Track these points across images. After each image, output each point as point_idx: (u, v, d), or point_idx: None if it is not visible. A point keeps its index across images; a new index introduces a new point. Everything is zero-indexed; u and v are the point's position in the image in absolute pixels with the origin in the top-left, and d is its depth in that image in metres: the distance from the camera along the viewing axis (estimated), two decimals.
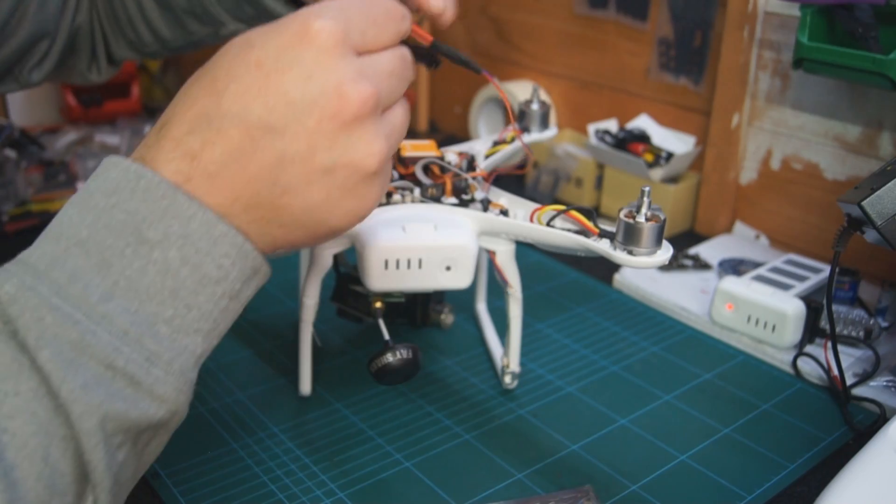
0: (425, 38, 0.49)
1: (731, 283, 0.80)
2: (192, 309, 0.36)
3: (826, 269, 0.85)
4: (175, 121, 0.37)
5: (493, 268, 0.63)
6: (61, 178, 1.12)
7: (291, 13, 0.39)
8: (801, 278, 0.83)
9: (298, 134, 0.37)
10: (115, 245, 0.35)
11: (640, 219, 0.55)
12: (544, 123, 0.79)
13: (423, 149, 0.65)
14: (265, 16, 0.69)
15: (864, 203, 0.68)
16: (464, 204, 0.62)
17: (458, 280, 0.58)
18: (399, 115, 0.42)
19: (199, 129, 0.37)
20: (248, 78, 0.37)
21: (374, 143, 0.38)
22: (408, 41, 0.44)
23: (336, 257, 0.65)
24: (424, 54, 0.50)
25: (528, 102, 0.78)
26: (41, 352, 0.32)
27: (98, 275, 0.34)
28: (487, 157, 0.73)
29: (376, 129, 0.39)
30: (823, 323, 0.77)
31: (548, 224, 0.61)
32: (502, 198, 0.65)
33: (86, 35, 0.72)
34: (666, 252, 0.56)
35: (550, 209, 0.61)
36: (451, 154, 0.68)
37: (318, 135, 0.37)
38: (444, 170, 0.64)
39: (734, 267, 0.93)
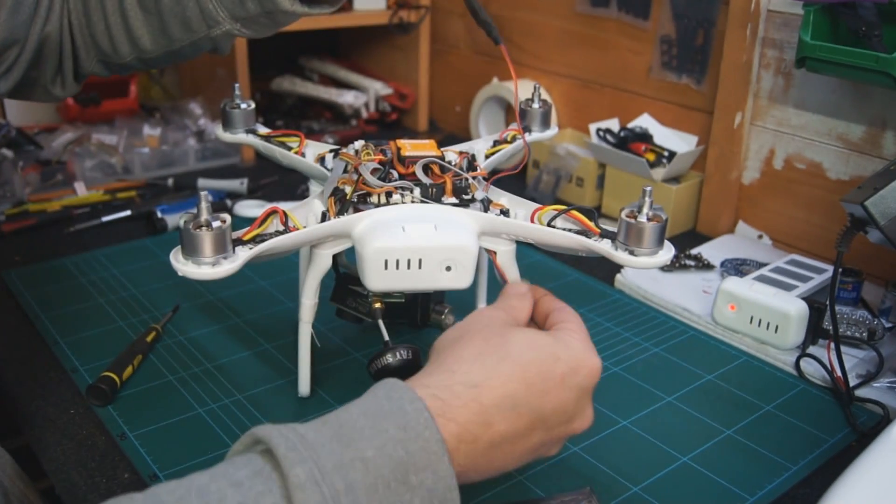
0: None
1: (734, 284, 0.79)
2: None
3: (829, 270, 0.84)
4: (488, 389, 0.46)
5: (493, 268, 0.63)
6: (59, 177, 1.12)
7: (580, 345, 0.51)
8: (804, 279, 0.82)
9: (556, 433, 0.50)
10: (387, 477, 0.41)
11: (642, 219, 0.55)
12: (545, 123, 0.78)
13: (423, 148, 0.64)
14: (268, 12, 0.67)
15: (867, 203, 0.68)
16: (464, 204, 0.61)
17: (459, 280, 0.58)
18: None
19: (503, 409, 0.46)
20: (552, 383, 0.48)
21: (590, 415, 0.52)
22: None
23: (335, 257, 0.65)
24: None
25: (529, 102, 0.78)
26: None
27: (365, 494, 0.40)
28: (488, 156, 0.73)
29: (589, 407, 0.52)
30: (826, 324, 0.76)
31: (549, 224, 0.60)
32: (503, 198, 0.65)
33: (54, 45, 0.70)
34: (668, 252, 0.56)
35: (551, 209, 0.61)
36: (451, 154, 0.67)
37: (563, 434, 0.50)
38: (444, 169, 0.63)
39: (736, 267, 0.92)
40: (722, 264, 0.93)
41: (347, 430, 0.42)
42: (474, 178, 0.64)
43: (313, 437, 0.41)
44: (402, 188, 0.61)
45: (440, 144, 0.67)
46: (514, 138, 0.76)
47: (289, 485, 0.38)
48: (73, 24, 0.71)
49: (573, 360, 0.49)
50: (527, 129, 0.78)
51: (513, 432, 0.47)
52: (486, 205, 0.62)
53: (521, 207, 0.64)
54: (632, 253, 0.55)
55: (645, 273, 0.90)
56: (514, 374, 0.47)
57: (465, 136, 1.34)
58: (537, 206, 0.62)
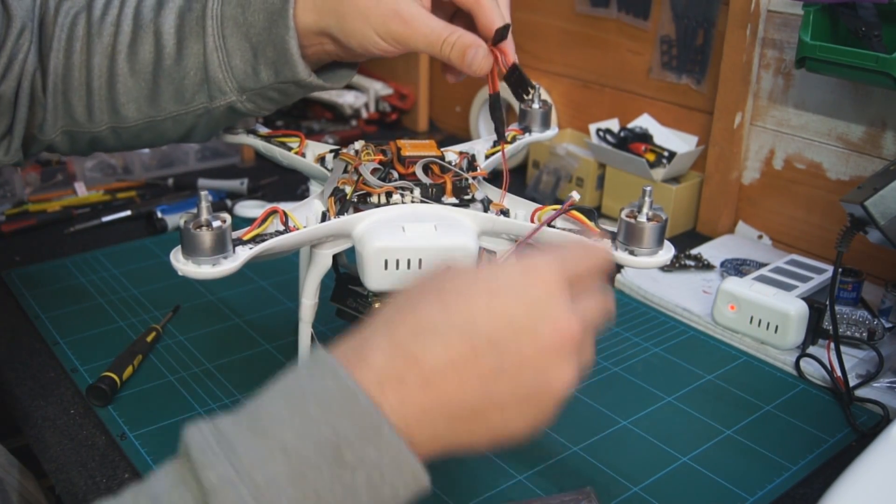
0: (507, 60, 0.58)
1: (734, 284, 0.79)
2: None
3: (829, 270, 0.84)
4: (399, 324, 0.41)
5: None
6: (58, 177, 1.12)
7: (518, 258, 0.44)
8: (804, 279, 0.82)
9: (514, 354, 0.41)
10: (314, 461, 0.37)
11: (642, 219, 0.54)
12: (545, 123, 0.78)
13: (423, 149, 0.64)
14: (282, 82, 0.64)
15: (867, 203, 0.68)
16: (464, 204, 0.61)
17: None
18: (588, 350, 0.45)
19: (424, 336, 0.40)
20: (478, 298, 0.41)
21: (571, 374, 0.43)
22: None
23: (336, 257, 0.65)
24: (511, 79, 0.59)
25: (529, 102, 0.78)
26: None
27: (292, 485, 0.37)
28: (488, 156, 0.73)
29: (576, 360, 0.43)
30: (826, 324, 0.76)
31: (549, 224, 0.60)
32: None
33: (6, 107, 0.65)
34: (668, 252, 0.56)
35: (551, 209, 0.61)
36: (452, 154, 0.67)
37: (532, 359, 0.41)
38: (444, 170, 0.63)
39: (736, 267, 0.92)
40: (722, 264, 0.93)
41: (266, 418, 0.39)
42: (474, 178, 0.64)
43: (230, 431, 0.38)
44: (402, 188, 0.61)
45: (440, 144, 0.67)
46: (514, 139, 0.76)
47: (203, 491, 0.36)
48: (48, 86, 0.67)
49: (505, 271, 0.43)
50: (527, 130, 0.78)
51: (446, 360, 0.40)
52: (486, 205, 0.62)
53: (520, 207, 0.64)
54: (632, 253, 0.55)
55: (645, 273, 0.90)
56: (427, 299, 0.41)
57: (465, 137, 1.34)
58: (537, 206, 0.62)
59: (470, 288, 0.42)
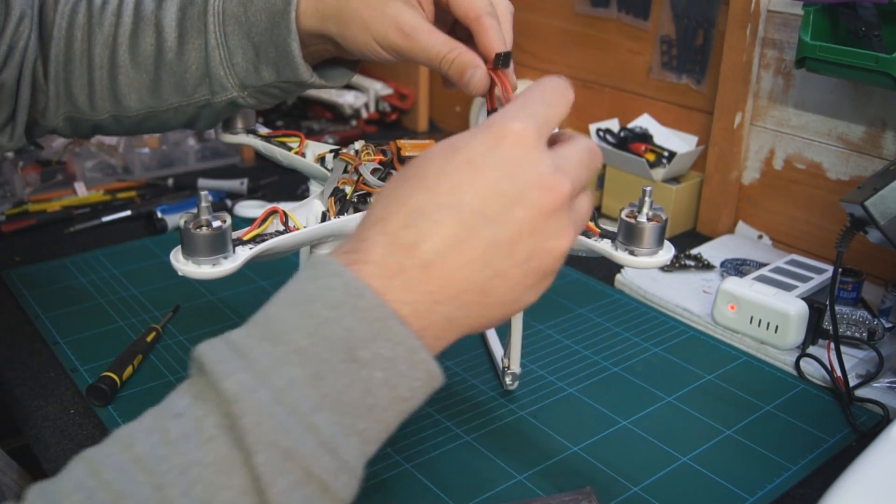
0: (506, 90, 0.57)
1: (734, 284, 0.79)
2: (380, 423, 0.39)
3: (829, 270, 0.84)
4: (390, 217, 0.41)
5: None
6: (58, 177, 1.12)
7: (485, 120, 0.42)
8: (804, 279, 0.82)
9: (508, 222, 0.40)
10: (330, 360, 0.37)
11: (642, 219, 0.55)
12: None
13: (423, 149, 0.65)
14: (283, 81, 0.64)
15: (867, 203, 0.68)
16: None
17: None
18: (584, 204, 0.45)
19: (416, 223, 0.40)
20: (459, 174, 0.41)
21: (568, 231, 0.43)
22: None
23: None
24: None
25: None
26: (256, 455, 0.35)
27: (311, 385, 0.37)
28: None
29: (569, 218, 0.43)
30: (826, 324, 0.76)
31: None
32: None
33: (8, 95, 0.66)
34: (668, 252, 0.56)
35: None
36: None
37: (524, 223, 0.41)
38: None
39: (736, 267, 0.92)
40: (722, 264, 0.93)
41: (276, 324, 0.39)
42: None
43: (242, 342, 0.38)
44: None
45: None
46: None
47: (225, 400, 0.36)
48: (49, 74, 0.67)
49: (478, 140, 0.41)
50: None
51: (441, 241, 0.40)
52: None
53: None
54: (632, 253, 0.55)
55: (645, 273, 0.90)
56: (413, 189, 0.41)
57: None
58: None
59: (449, 165, 0.41)
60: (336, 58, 0.67)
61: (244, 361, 0.37)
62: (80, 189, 1.11)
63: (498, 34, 0.58)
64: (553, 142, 0.45)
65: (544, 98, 0.45)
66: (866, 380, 0.72)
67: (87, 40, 0.67)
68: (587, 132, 1.13)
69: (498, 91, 0.57)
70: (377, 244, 0.40)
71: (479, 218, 0.40)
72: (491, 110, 0.60)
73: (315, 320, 0.38)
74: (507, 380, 0.71)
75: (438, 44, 0.57)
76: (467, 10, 0.58)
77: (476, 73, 0.57)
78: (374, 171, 0.62)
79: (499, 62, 0.57)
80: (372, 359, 0.38)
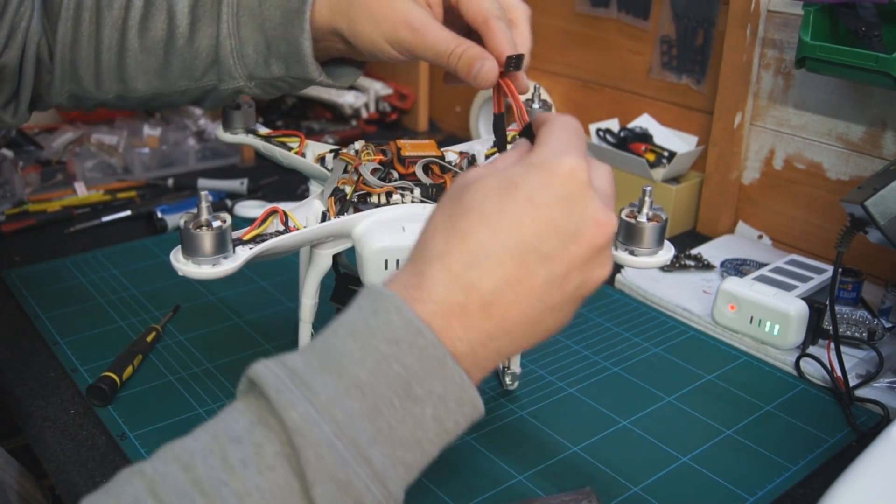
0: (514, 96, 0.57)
1: (734, 284, 0.79)
2: (424, 455, 0.41)
3: (829, 270, 0.84)
4: (451, 254, 0.42)
5: None
6: (58, 177, 1.12)
7: (540, 156, 0.44)
8: (804, 279, 0.82)
9: (563, 259, 0.42)
10: (387, 395, 0.39)
11: (642, 219, 0.55)
12: None
13: (423, 149, 0.65)
14: (292, 77, 0.65)
15: (867, 203, 0.68)
16: None
17: None
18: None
19: (478, 262, 0.42)
20: (520, 212, 0.42)
21: (610, 259, 0.45)
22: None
23: (336, 257, 0.65)
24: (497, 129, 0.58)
25: (529, 102, 0.78)
26: (315, 486, 0.37)
27: (368, 419, 0.39)
28: (488, 157, 0.73)
29: (610, 251, 0.45)
30: (826, 324, 0.76)
31: None
32: None
33: (11, 74, 0.66)
34: (668, 252, 0.56)
35: None
36: (452, 154, 0.68)
37: (576, 258, 0.43)
38: (444, 170, 0.63)
39: (736, 267, 0.92)
40: (722, 264, 0.93)
41: (336, 356, 0.40)
42: None
43: (304, 371, 0.39)
44: (403, 188, 0.61)
45: (440, 145, 0.67)
46: (514, 139, 0.76)
47: (287, 430, 0.37)
48: (55, 54, 0.67)
49: (535, 177, 0.43)
50: None
51: (502, 280, 0.42)
52: None
53: None
54: (632, 253, 0.55)
55: (645, 273, 0.90)
56: (473, 225, 0.42)
57: (465, 137, 1.34)
58: None
59: (509, 203, 0.42)
60: (344, 57, 0.67)
61: (306, 392, 0.38)
62: (80, 189, 1.11)
63: (506, 36, 0.58)
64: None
65: (579, 132, 0.47)
66: (866, 380, 0.72)
67: (96, 22, 0.67)
68: (587, 132, 1.13)
69: (508, 98, 0.57)
70: (439, 283, 0.42)
71: (537, 256, 0.42)
72: (498, 114, 0.60)
73: (375, 356, 0.40)
74: (507, 380, 0.71)
75: (447, 39, 0.57)
76: (475, 14, 0.58)
77: (484, 65, 0.56)
78: (374, 171, 0.62)
79: (510, 65, 0.57)
80: (425, 395, 0.40)
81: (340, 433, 0.38)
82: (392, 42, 0.59)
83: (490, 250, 0.42)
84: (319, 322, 0.69)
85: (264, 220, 0.58)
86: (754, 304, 0.77)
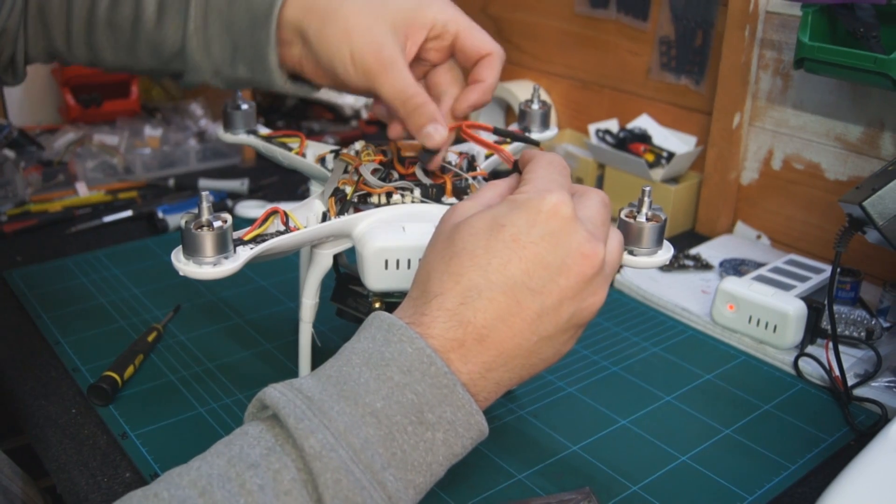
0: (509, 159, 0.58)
1: (732, 284, 0.80)
2: (433, 476, 0.43)
3: (827, 270, 0.84)
4: (446, 293, 0.45)
5: None
6: (60, 178, 1.12)
7: (524, 195, 0.47)
8: (803, 279, 0.82)
9: (552, 292, 0.45)
10: (401, 422, 0.42)
11: (641, 219, 0.55)
12: (545, 123, 0.79)
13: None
14: (254, 82, 0.64)
15: (865, 203, 0.68)
16: None
17: None
18: (614, 254, 0.50)
19: (471, 300, 0.45)
20: (507, 252, 0.45)
21: (603, 287, 0.48)
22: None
23: (336, 257, 0.65)
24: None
25: (529, 102, 0.78)
26: None
27: (382, 445, 0.41)
28: (487, 157, 0.73)
29: (602, 275, 0.47)
30: (825, 323, 0.77)
31: None
32: None
33: (10, 38, 0.67)
34: (667, 252, 0.56)
35: None
36: (452, 154, 0.68)
37: (566, 290, 0.46)
38: (444, 170, 0.64)
39: (735, 267, 0.93)
40: (721, 264, 0.94)
41: (352, 385, 0.42)
42: (474, 178, 0.64)
43: (320, 398, 0.41)
44: (403, 188, 0.61)
45: None
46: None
47: (305, 457, 0.39)
48: (29, 12, 0.67)
49: (520, 216, 0.46)
50: (526, 130, 0.78)
51: (495, 315, 0.45)
52: None
53: None
54: (631, 253, 0.55)
55: (644, 273, 0.91)
56: (465, 267, 0.45)
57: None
58: None
59: (496, 243, 0.45)
60: (294, 71, 0.64)
61: (324, 419, 0.40)
62: (82, 189, 1.11)
63: (497, 74, 0.62)
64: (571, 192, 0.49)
65: (561, 168, 0.50)
66: (864, 379, 0.73)
67: None
68: (586, 133, 1.13)
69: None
70: (437, 319, 0.45)
71: (527, 291, 0.45)
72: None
73: (390, 385, 0.42)
74: None
75: (410, 85, 0.57)
76: (480, 46, 0.61)
77: (438, 129, 0.58)
78: (374, 172, 0.62)
79: (428, 151, 0.60)
80: (436, 421, 0.42)
81: (357, 459, 0.40)
82: (355, 61, 0.57)
83: (482, 289, 0.45)
84: (320, 322, 0.69)
85: (265, 220, 0.58)
86: (753, 304, 0.78)
